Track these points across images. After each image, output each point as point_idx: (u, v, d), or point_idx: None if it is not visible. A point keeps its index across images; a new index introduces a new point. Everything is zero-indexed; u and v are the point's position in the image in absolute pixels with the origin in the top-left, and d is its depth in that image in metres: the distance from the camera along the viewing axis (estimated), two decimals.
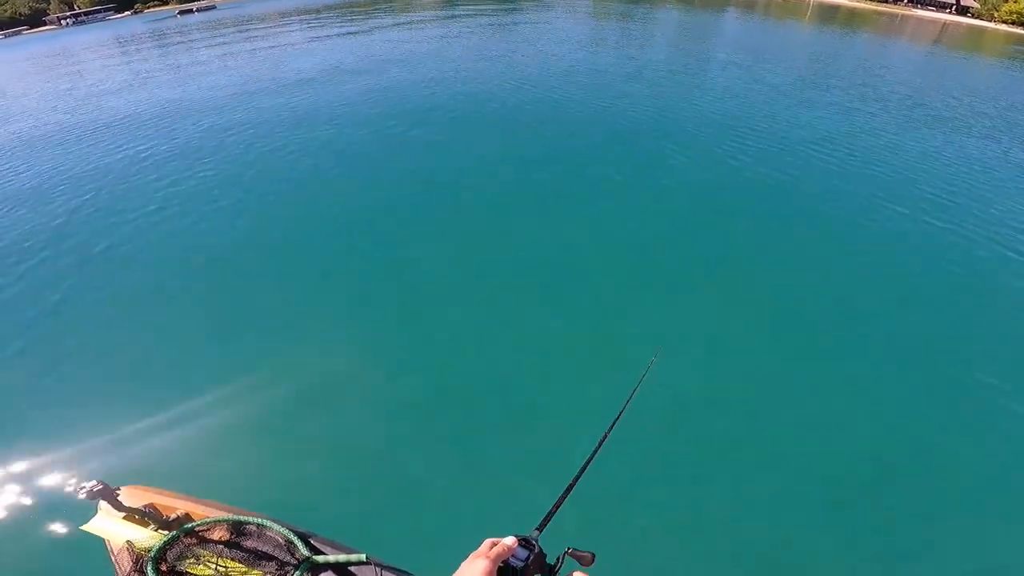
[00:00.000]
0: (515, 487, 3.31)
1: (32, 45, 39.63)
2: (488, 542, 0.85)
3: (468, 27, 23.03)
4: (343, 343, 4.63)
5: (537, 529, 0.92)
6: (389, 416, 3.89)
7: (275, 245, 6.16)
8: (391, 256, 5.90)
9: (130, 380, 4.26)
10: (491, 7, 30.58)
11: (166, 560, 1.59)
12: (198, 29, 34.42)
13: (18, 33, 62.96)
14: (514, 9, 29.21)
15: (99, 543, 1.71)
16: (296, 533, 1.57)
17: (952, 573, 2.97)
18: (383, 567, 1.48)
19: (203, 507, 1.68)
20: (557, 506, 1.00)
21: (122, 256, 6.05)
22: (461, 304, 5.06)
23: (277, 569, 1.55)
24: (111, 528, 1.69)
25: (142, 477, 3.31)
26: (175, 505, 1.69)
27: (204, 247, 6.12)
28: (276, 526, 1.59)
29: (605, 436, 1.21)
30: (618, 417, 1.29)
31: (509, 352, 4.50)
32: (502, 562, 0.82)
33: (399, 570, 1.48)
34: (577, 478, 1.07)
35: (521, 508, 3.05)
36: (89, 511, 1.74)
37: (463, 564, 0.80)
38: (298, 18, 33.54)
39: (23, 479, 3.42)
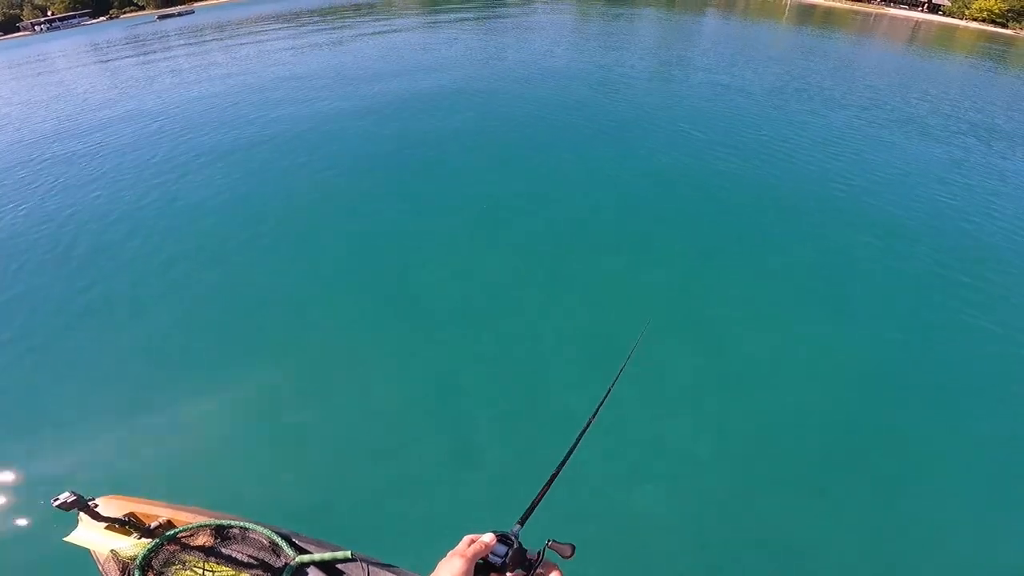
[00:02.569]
0: (499, 478, 3.33)
1: (5, 52, 38.67)
2: (467, 539, 0.85)
3: (453, 30, 23.04)
4: (317, 339, 4.60)
5: (519, 523, 0.93)
6: (368, 412, 3.87)
7: (252, 241, 6.13)
8: (372, 251, 5.90)
9: (103, 388, 4.19)
10: (475, 10, 30.62)
11: (152, 568, 1.59)
12: (179, 34, 33.92)
13: None
14: (497, 12, 29.27)
15: (85, 554, 1.69)
16: (280, 534, 1.58)
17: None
18: (369, 563, 1.50)
19: (184, 513, 1.68)
20: (539, 498, 1.00)
21: (95, 262, 5.96)
22: (440, 298, 5.07)
23: (264, 571, 1.56)
24: (93, 539, 1.68)
25: (120, 486, 3.28)
26: (156, 512, 1.69)
27: (178, 252, 6.05)
28: (259, 528, 1.60)
29: (588, 425, 1.21)
30: (600, 405, 1.28)
31: (492, 344, 4.50)
32: (481, 559, 0.82)
33: (385, 565, 1.50)
34: (559, 469, 1.06)
35: (505, 499, 3.06)
36: (71, 522, 1.73)
37: (440, 563, 0.80)
38: (277, 23, 33.25)
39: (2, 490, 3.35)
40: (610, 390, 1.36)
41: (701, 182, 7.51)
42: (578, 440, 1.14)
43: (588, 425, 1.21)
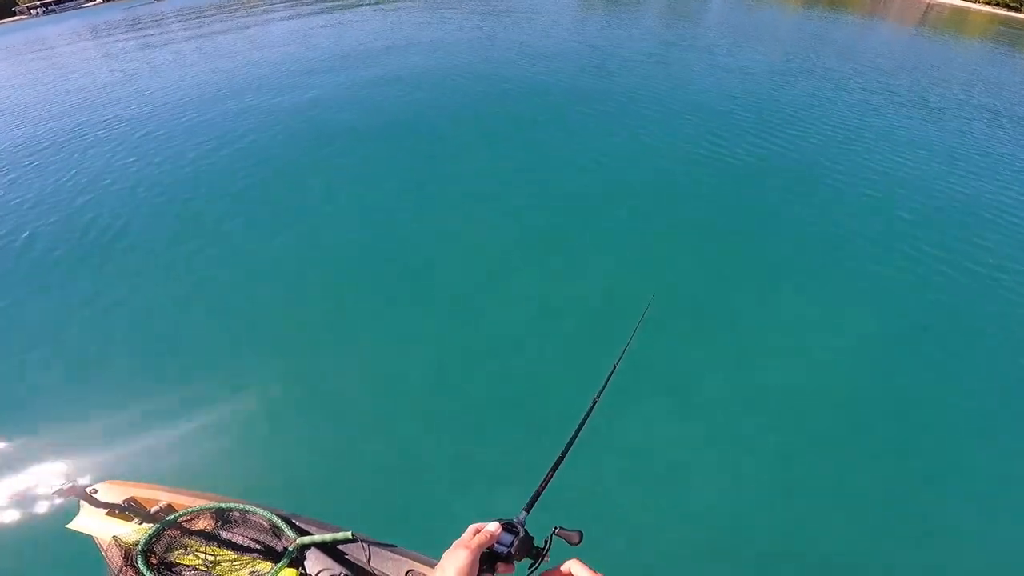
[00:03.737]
0: (504, 460, 3.30)
1: (3, 37, 38.23)
2: (472, 528, 0.83)
3: (454, 9, 22.61)
4: (317, 318, 4.57)
5: (525, 510, 0.91)
6: (367, 394, 3.85)
7: (249, 222, 6.10)
8: (371, 231, 5.86)
9: (98, 373, 4.18)
10: None
11: (154, 552, 1.59)
12: (179, 15, 33.29)
13: None
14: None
15: (88, 540, 1.70)
16: (280, 516, 1.59)
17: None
18: (370, 543, 1.50)
19: (184, 497, 1.69)
20: (544, 484, 0.98)
21: (91, 250, 5.90)
22: (441, 279, 5.04)
23: (265, 553, 1.57)
24: (95, 525, 1.69)
25: (119, 470, 3.31)
26: (156, 497, 1.69)
27: (170, 234, 6.02)
28: (260, 510, 1.60)
29: (592, 406, 1.19)
30: (604, 386, 1.26)
31: (493, 324, 4.45)
32: (487, 549, 0.80)
33: (386, 544, 1.51)
34: (565, 452, 1.04)
35: (510, 481, 3.04)
36: (74, 509, 1.73)
37: (444, 554, 0.79)
38: (278, 1, 32.68)
39: (3, 479, 3.37)
40: (614, 369, 1.34)
41: (704, 157, 7.39)
42: (583, 422, 1.12)
43: (593, 406, 1.20)
